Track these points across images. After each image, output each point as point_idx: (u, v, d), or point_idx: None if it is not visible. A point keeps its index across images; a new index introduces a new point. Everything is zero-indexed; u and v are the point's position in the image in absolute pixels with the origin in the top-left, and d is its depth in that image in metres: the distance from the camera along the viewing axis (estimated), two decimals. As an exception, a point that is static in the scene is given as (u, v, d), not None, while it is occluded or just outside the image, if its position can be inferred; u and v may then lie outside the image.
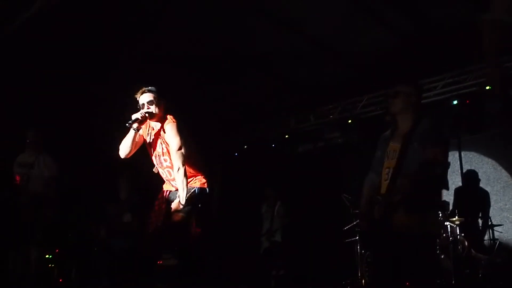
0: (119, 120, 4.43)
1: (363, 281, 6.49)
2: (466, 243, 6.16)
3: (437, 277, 5.15)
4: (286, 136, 9.21)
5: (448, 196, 6.91)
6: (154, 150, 4.35)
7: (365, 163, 3.82)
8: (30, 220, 5.83)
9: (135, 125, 4.15)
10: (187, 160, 4.18)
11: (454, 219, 6.07)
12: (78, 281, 7.21)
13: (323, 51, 7.16)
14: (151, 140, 4.33)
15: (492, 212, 6.87)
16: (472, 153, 7.63)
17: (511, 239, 7.13)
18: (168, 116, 4.28)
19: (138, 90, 4.30)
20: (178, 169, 4.12)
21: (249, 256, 8.16)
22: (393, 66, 7.00)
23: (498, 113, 6.65)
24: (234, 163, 9.65)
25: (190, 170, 4.24)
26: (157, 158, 4.34)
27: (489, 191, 7.05)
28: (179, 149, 4.15)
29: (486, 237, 6.71)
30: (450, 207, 6.63)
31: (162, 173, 4.40)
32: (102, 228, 6.77)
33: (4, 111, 6.97)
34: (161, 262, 4.60)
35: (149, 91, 4.27)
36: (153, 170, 4.42)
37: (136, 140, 4.26)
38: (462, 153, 5.92)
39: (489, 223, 6.68)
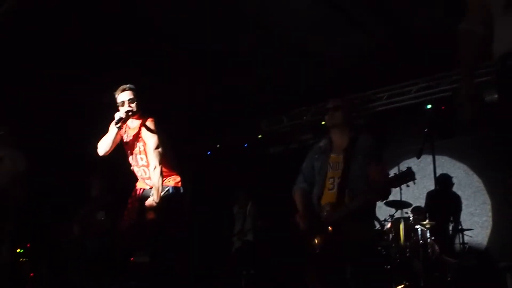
0: (93, 118, 4.41)
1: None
2: (436, 247, 6.24)
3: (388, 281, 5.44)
4: (259, 137, 9.22)
5: (419, 200, 7.01)
6: (130, 148, 4.36)
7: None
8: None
9: (118, 124, 4.16)
10: (163, 159, 4.17)
11: (425, 222, 6.14)
12: (49, 277, 7.15)
13: (298, 53, 7.17)
14: (128, 139, 4.34)
15: (462, 217, 6.98)
16: (445, 157, 7.73)
17: (480, 243, 7.25)
18: (147, 115, 4.31)
19: (117, 88, 4.31)
20: (155, 168, 4.14)
21: (220, 256, 8.14)
22: (368, 70, 7.07)
23: (470, 119, 6.73)
24: (206, 163, 9.62)
25: (164, 169, 4.25)
26: (134, 156, 4.33)
27: (460, 195, 7.15)
28: (157, 147, 4.18)
29: (456, 241, 6.80)
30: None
31: (137, 171, 4.41)
32: (74, 226, 6.68)
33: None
34: (133, 259, 4.60)
35: (130, 89, 4.28)
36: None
37: (116, 138, 4.27)
38: (435, 157, 6.01)
39: (459, 227, 6.79)
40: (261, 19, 6.40)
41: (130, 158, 4.40)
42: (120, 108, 4.26)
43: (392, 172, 3.47)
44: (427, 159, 7.05)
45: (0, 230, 5.74)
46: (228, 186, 8.59)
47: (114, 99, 4.31)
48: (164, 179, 4.23)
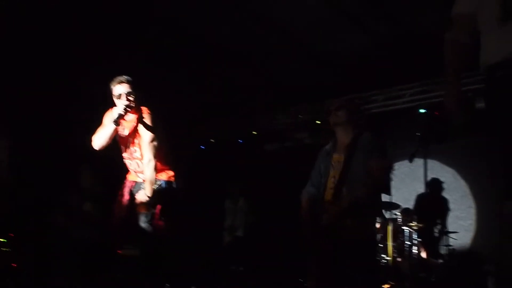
0: (85, 106, 4.35)
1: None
2: (422, 248, 6.35)
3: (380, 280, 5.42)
4: (254, 133, 9.24)
5: (409, 202, 7.10)
6: (124, 141, 4.30)
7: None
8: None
9: (118, 121, 4.06)
10: (157, 152, 4.16)
11: (412, 224, 6.24)
12: (32, 268, 7.07)
13: (297, 51, 7.19)
14: (123, 131, 4.27)
15: (448, 220, 7.12)
16: (435, 161, 7.83)
17: (464, 246, 7.38)
18: (143, 108, 4.23)
19: (113, 80, 4.19)
20: (149, 161, 4.10)
21: (210, 251, 8.16)
22: (366, 71, 7.11)
23: (462, 125, 6.82)
24: (200, 157, 9.63)
25: (158, 163, 4.22)
26: (128, 148, 4.29)
27: (448, 199, 7.27)
28: (152, 141, 4.13)
29: (441, 243, 6.91)
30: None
31: (130, 164, 4.35)
32: (61, 216, 6.63)
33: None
34: (121, 251, 4.58)
35: (127, 81, 4.17)
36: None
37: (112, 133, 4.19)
38: (426, 161, 6.10)
39: (445, 230, 6.90)
40: (261, 15, 6.39)
41: (124, 151, 4.35)
42: (116, 100, 4.16)
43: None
44: (418, 162, 7.15)
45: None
46: (221, 181, 8.60)
47: (110, 90, 4.20)
48: (157, 173, 4.21)
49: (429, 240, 6.71)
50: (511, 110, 2.27)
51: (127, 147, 4.31)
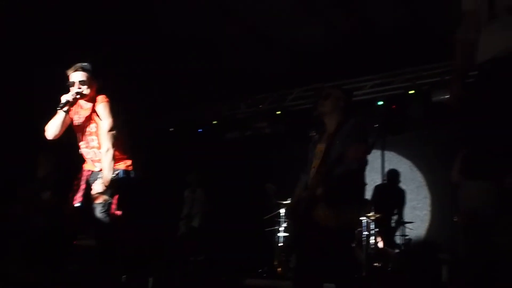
0: (42, 94, 4.25)
1: (278, 269, 6.67)
2: (379, 238, 6.47)
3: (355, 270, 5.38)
4: (214, 122, 9.21)
5: (367, 192, 7.18)
6: (81, 129, 4.19)
7: (291, 154, 3.94)
8: None
9: (65, 108, 3.98)
10: (116, 141, 4.10)
11: (370, 214, 6.35)
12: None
13: (258, 41, 7.19)
14: (79, 120, 4.18)
15: (405, 210, 7.26)
16: (392, 153, 7.98)
17: (420, 236, 7.56)
18: (101, 96, 4.12)
19: (70, 67, 4.08)
20: (107, 150, 4.01)
21: (167, 240, 8.12)
22: (327, 62, 7.16)
23: (418, 117, 6.97)
24: (159, 146, 9.55)
25: (116, 152, 4.12)
26: (84, 137, 4.21)
27: (405, 190, 7.41)
28: (111, 130, 4.05)
29: (397, 233, 7.06)
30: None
31: (87, 153, 4.26)
32: (17, 205, 6.50)
33: None
34: (76, 242, 4.51)
35: (82, 69, 4.07)
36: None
37: (65, 121, 4.09)
38: (384, 153, 6.22)
39: (402, 220, 7.05)
40: (223, 4, 6.38)
41: (80, 139, 4.24)
42: (71, 88, 4.05)
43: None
44: (375, 153, 7.29)
45: None
46: (180, 170, 8.56)
47: (67, 78, 4.09)
48: (115, 162, 4.13)
49: (386, 230, 6.83)
50: (489, 109, 2.32)
51: (83, 136, 4.22)
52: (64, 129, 4.13)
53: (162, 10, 6.38)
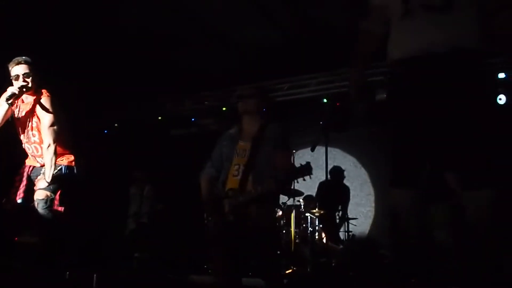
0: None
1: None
2: (323, 234, 6.59)
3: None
4: (159, 118, 9.15)
5: (311, 189, 7.31)
6: (22, 124, 4.15)
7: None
8: None
9: (10, 101, 3.93)
10: (58, 137, 4.04)
11: (314, 211, 6.46)
12: None
13: (206, 38, 7.18)
14: (20, 114, 4.13)
15: (349, 207, 7.40)
16: (337, 149, 8.14)
17: (363, 232, 7.73)
18: (43, 90, 4.10)
19: (11, 61, 4.05)
20: (49, 146, 3.98)
21: (113, 238, 8.01)
22: (272, 60, 7.23)
23: (361, 115, 7.12)
24: (103, 142, 9.39)
25: (58, 148, 4.09)
26: (25, 132, 4.14)
27: (349, 186, 7.57)
28: (52, 125, 4.00)
29: (342, 229, 7.21)
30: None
31: (29, 148, 4.21)
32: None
33: None
34: (18, 239, 4.41)
35: (25, 62, 4.04)
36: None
37: (6, 113, 4.05)
38: (328, 149, 6.33)
39: (346, 216, 7.20)
40: (177, 1, 6.35)
41: (21, 134, 4.20)
42: (14, 82, 4.02)
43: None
44: (320, 150, 7.40)
45: None
46: (125, 167, 8.44)
47: (8, 72, 4.06)
48: (57, 158, 4.09)
49: (330, 226, 6.96)
50: (401, 106, 2.40)
51: (24, 130, 4.15)
52: (3, 122, 4.08)
53: (108, 3, 6.27)
